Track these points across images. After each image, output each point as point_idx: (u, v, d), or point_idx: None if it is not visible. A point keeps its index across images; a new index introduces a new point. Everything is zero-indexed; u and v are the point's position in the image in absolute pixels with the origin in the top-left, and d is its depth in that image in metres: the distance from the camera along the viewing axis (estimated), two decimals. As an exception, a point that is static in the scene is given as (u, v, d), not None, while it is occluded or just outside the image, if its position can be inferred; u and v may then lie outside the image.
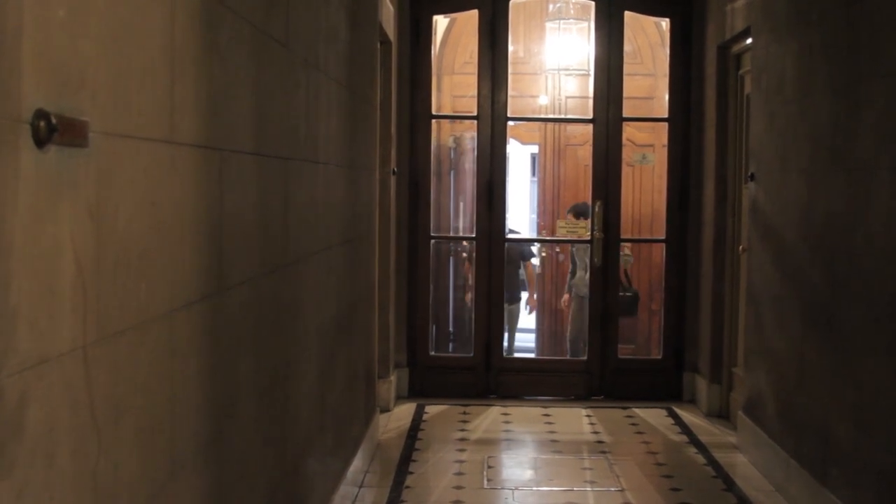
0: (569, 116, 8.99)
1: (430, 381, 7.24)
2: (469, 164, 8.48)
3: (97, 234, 1.74)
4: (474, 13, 7.24)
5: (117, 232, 1.83)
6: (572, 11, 8.29)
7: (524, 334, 9.89)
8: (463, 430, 6.36)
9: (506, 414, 6.79)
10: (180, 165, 2.22)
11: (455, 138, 8.87)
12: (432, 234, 7.45)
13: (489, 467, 5.56)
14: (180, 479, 2.24)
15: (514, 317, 9.11)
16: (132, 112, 1.91)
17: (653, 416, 6.76)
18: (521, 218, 12.58)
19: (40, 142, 1.50)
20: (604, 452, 5.87)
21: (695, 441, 6.12)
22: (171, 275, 2.15)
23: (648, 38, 8.60)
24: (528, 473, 5.53)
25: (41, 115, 1.50)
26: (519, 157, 9.35)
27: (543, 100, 8.90)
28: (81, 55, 1.67)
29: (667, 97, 7.32)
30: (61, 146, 1.58)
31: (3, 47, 1.40)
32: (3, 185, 1.41)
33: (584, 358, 7.40)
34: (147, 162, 2.00)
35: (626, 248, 7.78)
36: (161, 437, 2.11)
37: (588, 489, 5.23)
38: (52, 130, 1.51)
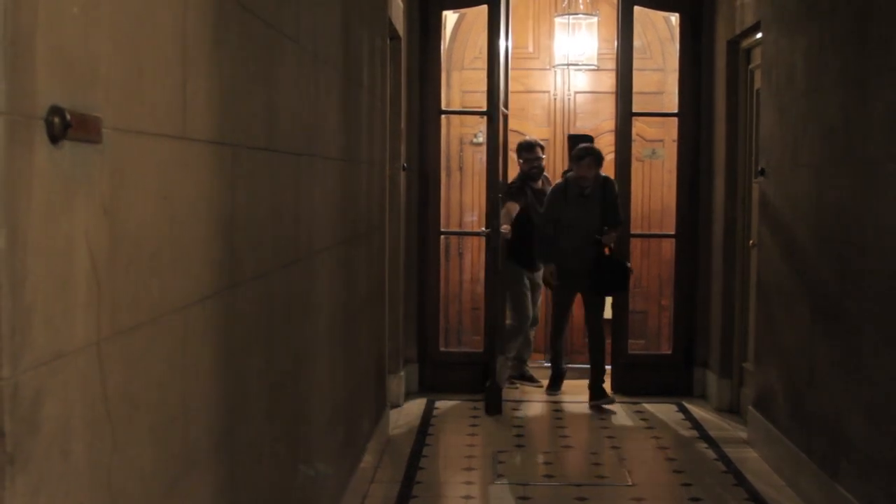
0: (579, 112, 8.98)
1: (440, 377, 7.24)
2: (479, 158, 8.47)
3: (111, 230, 1.74)
4: (483, 8, 7.22)
5: (131, 227, 1.84)
6: (581, 6, 8.26)
7: None
8: (473, 425, 6.36)
9: (516, 409, 6.79)
10: (193, 161, 2.23)
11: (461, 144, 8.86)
12: (442, 230, 7.45)
13: (499, 462, 5.56)
14: (194, 474, 2.25)
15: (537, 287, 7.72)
16: (145, 108, 1.92)
17: (663, 411, 6.75)
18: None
19: (55, 138, 1.51)
20: (614, 448, 5.87)
21: (705, 436, 6.12)
22: (184, 270, 2.15)
23: (658, 32, 8.58)
24: (538, 468, 5.53)
25: (55, 111, 1.50)
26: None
27: (552, 95, 8.88)
28: (95, 51, 1.67)
29: (676, 92, 7.31)
30: (75, 142, 1.58)
31: (18, 44, 1.41)
32: (18, 181, 1.41)
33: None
34: (160, 158, 2.00)
35: None
36: (175, 432, 2.12)
37: (599, 484, 5.23)
38: (66, 126, 1.52)
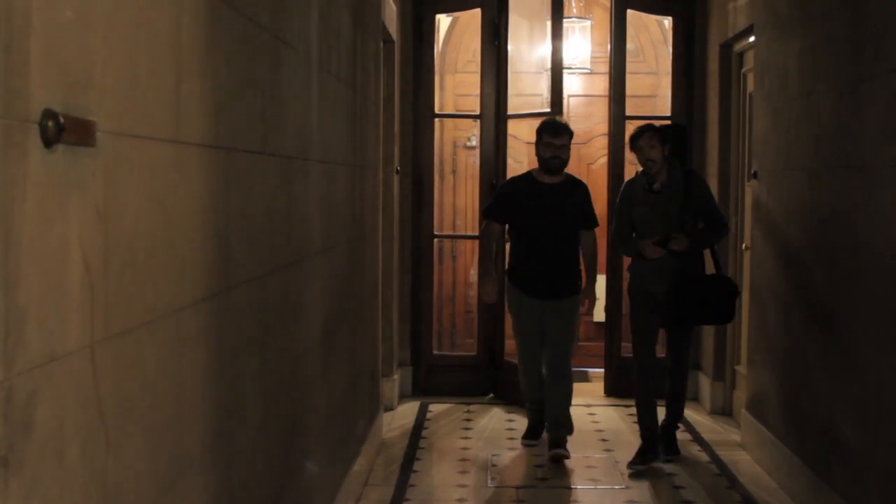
0: (574, 115, 8.99)
1: (433, 380, 7.25)
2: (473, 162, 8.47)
3: (105, 234, 1.74)
4: (477, 12, 7.24)
5: (125, 231, 1.84)
6: (574, 10, 8.27)
7: None
8: (467, 428, 6.36)
9: (509, 412, 6.78)
10: (187, 165, 2.23)
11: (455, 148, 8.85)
12: (435, 233, 7.46)
13: (493, 466, 5.56)
14: (188, 478, 2.25)
15: (568, 319, 5.74)
16: (139, 112, 1.92)
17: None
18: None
19: (48, 141, 1.51)
20: (608, 451, 5.87)
21: (698, 439, 6.13)
22: (178, 273, 2.16)
23: (651, 36, 8.59)
24: (531, 472, 5.53)
25: (49, 115, 1.50)
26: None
27: (545, 98, 8.89)
28: (89, 55, 1.68)
29: (670, 95, 7.32)
30: (69, 146, 1.58)
31: (12, 48, 1.41)
32: (11, 185, 1.42)
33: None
34: (154, 161, 2.01)
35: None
36: (169, 435, 2.12)
37: (592, 487, 5.23)
38: (60, 130, 1.52)
